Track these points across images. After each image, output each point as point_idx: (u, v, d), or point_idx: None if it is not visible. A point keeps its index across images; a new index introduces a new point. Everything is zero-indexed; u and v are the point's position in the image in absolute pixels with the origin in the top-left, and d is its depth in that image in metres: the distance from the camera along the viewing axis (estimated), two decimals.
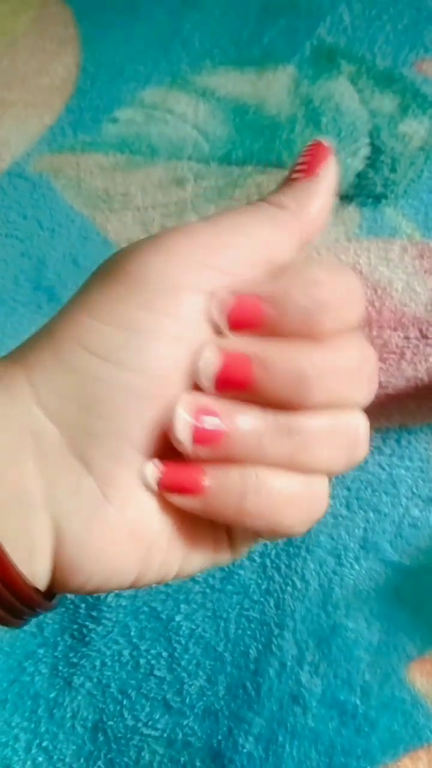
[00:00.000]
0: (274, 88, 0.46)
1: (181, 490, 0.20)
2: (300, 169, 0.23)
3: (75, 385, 0.20)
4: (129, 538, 0.21)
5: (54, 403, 0.20)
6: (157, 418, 0.20)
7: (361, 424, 0.22)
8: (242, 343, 0.20)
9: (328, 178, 0.23)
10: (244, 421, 0.20)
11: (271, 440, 0.20)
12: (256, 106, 0.46)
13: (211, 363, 0.20)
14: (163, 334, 0.20)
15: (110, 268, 0.21)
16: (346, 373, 0.21)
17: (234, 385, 0.20)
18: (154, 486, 0.21)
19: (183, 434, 0.20)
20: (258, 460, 0.20)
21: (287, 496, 0.21)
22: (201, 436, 0.20)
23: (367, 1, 0.47)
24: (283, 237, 0.22)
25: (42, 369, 0.20)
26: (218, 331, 0.21)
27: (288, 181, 0.23)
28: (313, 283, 0.20)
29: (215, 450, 0.20)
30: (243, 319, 0.20)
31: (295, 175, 0.23)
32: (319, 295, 0.20)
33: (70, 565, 0.21)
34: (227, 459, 0.20)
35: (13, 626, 0.21)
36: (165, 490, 0.21)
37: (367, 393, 0.22)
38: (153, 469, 0.21)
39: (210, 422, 0.20)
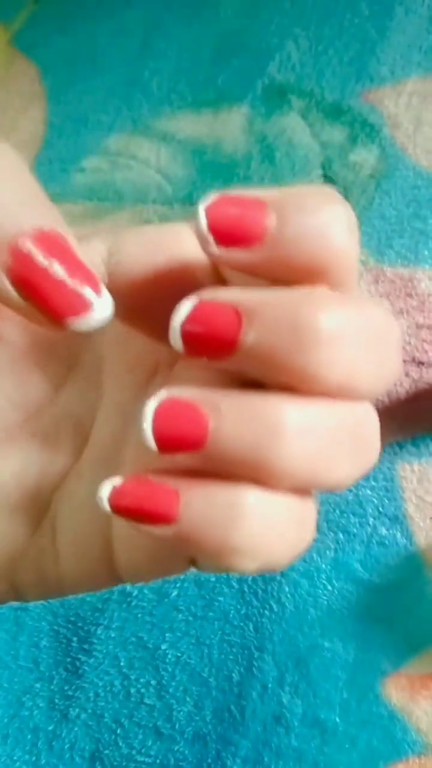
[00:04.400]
0: (229, 127, 0.48)
1: (146, 516, 0.15)
2: None
3: None
4: None
5: None
6: None
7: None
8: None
9: None
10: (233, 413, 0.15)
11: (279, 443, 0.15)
12: (213, 147, 0.48)
13: (189, 319, 0.15)
14: None
15: None
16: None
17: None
18: (108, 508, 0.16)
19: (152, 436, 0.15)
20: (257, 472, 0.15)
21: (292, 522, 0.16)
22: (178, 435, 0.15)
23: (313, 38, 0.49)
24: None
25: None
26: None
27: None
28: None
29: (194, 457, 0.15)
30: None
31: None
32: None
33: None
34: (211, 471, 0.15)
35: None
36: (123, 515, 0.16)
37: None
38: (109, 488, 0.16)
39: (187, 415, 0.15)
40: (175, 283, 0.17)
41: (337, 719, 0.35)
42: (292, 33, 0.49)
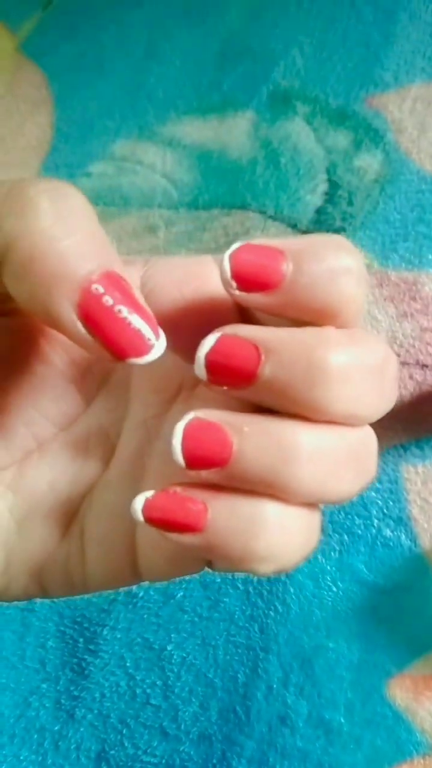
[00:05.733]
0: (235, 132, 0.48)
1: (176, 526, 0.17)
2: None
3: None
4: None
5: None
6: None
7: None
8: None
9: None
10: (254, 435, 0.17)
11: (298, 463, 0.17)
12: (219, 152, 0.48)
13: (213, 351, 0.17)
14: None
15: None
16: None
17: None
18: (141, 519, 0.17)
19: (182, 454, 0.17)
20: (275, 489, 0.17)
21: (303, 532, 0.18)
22: (205, 454, 0.17)
23: (317, 44, 0.49)
24: None
25: None
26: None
27: None
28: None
29: (218, 474, 0.17)
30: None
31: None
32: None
33: None
34: (232, 486, 0.17)
35: None
36: (155, 525, 0.17)
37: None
38: (142, 501, 0.17)
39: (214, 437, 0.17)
40: (200, 312, 0.19)
41: (342, 720, 0.36)
42: (297, 39, 0.50)
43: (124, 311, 0.16)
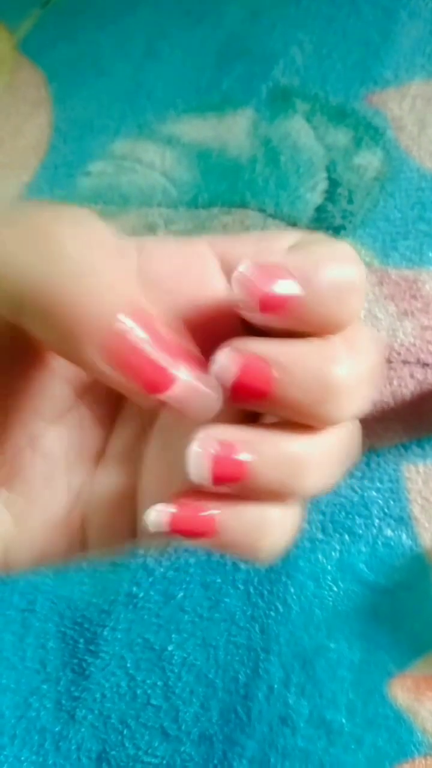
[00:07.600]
0: (234, 131, 0.48)
1: (190, 534, 0.18)
2: None
3: None
4: None
5: None
6: None
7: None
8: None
9: None
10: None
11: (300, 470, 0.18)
12: (218, 150, 0.48)
13: (226, 368, 0.17)
14: None
15: None
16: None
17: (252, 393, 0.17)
18: (157, 530, 0.18)
19: (199, 474, 0.18)
20: (283, 498, 0.18)
21: (296, 524, 0.20)
22: (222, 474, 0.18)
23: (317, 41, 0.49)
24: None
25: None
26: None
27: None
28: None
29: (233, 487, 0.18)
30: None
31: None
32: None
33: None
34: (241, 494, 0.18)
35: None
36: (171, 535, 0.18)
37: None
38: (155, 514, 0.18)
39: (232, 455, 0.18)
40: (201, 308, 0.19)
41: (343, 720, 0.35)
42: (296, 37, 0.50)
43: (151, 349, 0.16)
